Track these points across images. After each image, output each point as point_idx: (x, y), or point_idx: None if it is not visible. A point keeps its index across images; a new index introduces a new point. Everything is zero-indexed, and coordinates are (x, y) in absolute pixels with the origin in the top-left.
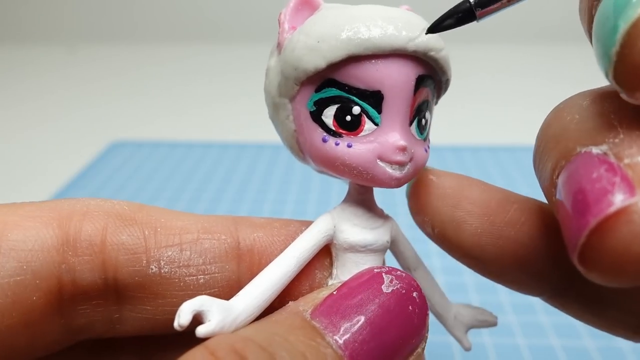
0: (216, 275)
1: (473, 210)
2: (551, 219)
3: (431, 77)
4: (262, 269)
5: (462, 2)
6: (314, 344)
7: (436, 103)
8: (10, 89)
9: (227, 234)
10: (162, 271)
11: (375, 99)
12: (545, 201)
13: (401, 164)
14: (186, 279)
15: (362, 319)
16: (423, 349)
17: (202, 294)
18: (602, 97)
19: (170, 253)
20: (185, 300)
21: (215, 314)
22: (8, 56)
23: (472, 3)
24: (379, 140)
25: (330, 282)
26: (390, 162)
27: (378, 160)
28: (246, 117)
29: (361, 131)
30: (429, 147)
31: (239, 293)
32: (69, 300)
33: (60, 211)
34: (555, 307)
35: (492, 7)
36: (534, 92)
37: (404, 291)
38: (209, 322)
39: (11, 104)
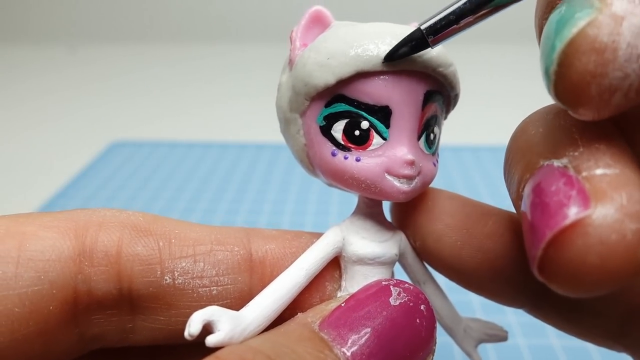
0: (229, 286)
1: (452, 223)
2: None
3: (440, 92)
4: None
5: (415, 30)
6: (322, 355)
7: (445, 118)
8: (10, 89)
9: (239, 246)
10: (176, 282)
11: (383, 114)
12: None
13: (409, 178)
14: (199, 290)
15: (370, 331)
16: None
17: (214, 305)
18: (566, 111)
19: (184, 264)
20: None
21: (225, 324)
22: (8, 56)
23: (424, 31)
24: (387, 155)
25: (339, 294)
26: (398, 176)
27: (386, 174)
28: (246, 117)
29: (369, 145)
30: (437, 161)
31: (248, 304)
32: (84, 310)
33: (76, 221)
34: (538, 318)
35: (443, 33)
36: (534, 93)
37: (411, 304)
38: (219, 332)
39: (11, 104)
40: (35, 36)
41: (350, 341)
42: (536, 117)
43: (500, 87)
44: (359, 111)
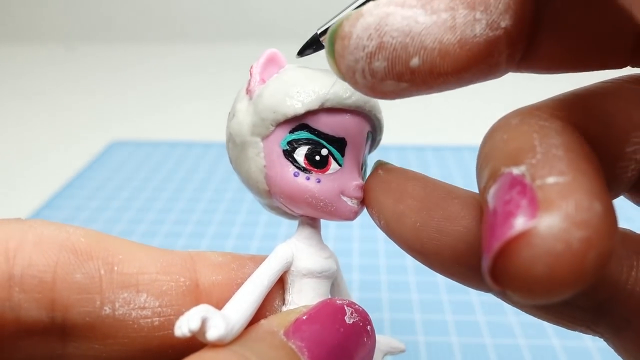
0: (172, 317)
1: (413, 205)
2: None
3: (371, 133)
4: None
5: (313, 34)
6: None
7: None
8: (9, 88)
9: (185, 276)
10: (116, 313)
11: (340, 144)
12: None
13: (359, 199)
14: (141, 321)
15: (329, 344)
16: None
17: (155, 335)
18: (530, 116)
19: (125, 295)
20: (138, 341)
21: (220, 321)
22: (6, 55)
23: (318, 34)
24: (342, 179)
25: (284, 309)
26: (351, 197)
27: (341, 195)
28: None
29: (328, 170)
30: None
31: (226, 306)
32: (10, 336)
33: (7, 240)
34: (508, 303)
35: None
36: (533, 92)
37: (361, 324)
38: (217, 328)
39: (9, 104)
40: (33, 35)
41: (311, 352)
42: (503, 123)
43: (499, 87)
44: (320, 140)
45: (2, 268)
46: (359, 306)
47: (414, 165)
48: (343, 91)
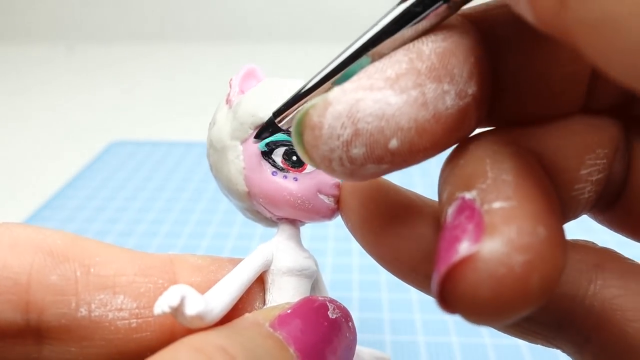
0: (150, 319)
1: (375, 209)
2: None
3: None
4: None
5: (270, 117)
6: (283, 353)
7: None
8: (8, 88)
9: (164, 278)
10: (92, 315)
11: None
12: None
13: (336, 197)
14: (118, 322)
15: (315, 337)
16: None
17: (133, 337)
18: (485, 141)
19: (102, 296)
20: (115, 343)
21: (200, 298)
22: (7, 55)
23: (273, 115)
24: (319, 178)
25: (264, 307)
26: (328, 195)
27: (318, 193)
28: None
29: (304, 169)
30: None
31: (206, 293)
32: None
33: None
34: None
35: (286, 113)
36: None
37: (343, 320)
38: (197, 303)
39: (9, 104)
40: (33, 35)
41: (297, 343)
42: (461, 147)
43: None
44: None
45: None
46: (339, 303)
47: (413, 166)
48: None
